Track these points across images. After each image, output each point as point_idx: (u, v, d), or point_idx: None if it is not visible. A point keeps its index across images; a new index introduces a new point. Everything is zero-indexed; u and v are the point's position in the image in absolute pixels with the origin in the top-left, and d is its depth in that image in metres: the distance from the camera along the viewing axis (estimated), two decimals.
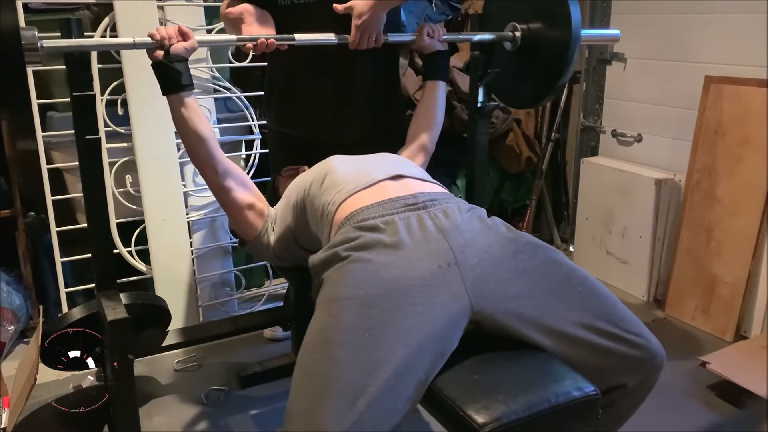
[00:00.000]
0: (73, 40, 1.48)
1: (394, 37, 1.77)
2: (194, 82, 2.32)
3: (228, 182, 1.54)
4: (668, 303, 2.65)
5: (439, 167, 2.69)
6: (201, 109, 1.52)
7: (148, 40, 1.44)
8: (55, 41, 1.40)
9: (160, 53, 1.44)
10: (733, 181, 2.41)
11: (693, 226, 2.55)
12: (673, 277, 2.63)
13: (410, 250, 1.21)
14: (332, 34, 1.70)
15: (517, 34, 1.85)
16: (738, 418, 1.95)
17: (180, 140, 2.40)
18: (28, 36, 1.28)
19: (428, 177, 1.52)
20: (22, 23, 2.14)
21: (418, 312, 1.13)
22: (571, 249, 3.24)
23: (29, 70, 2.19)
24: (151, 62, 1.47)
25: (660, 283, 2.76)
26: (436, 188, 1.44)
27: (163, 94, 1.47)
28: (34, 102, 2.20)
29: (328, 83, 1.93)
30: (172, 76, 1.45)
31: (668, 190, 2.68)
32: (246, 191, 1.58)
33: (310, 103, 1.97)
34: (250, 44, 1.68)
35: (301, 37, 1.65)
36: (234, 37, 1.62)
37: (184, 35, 1.46)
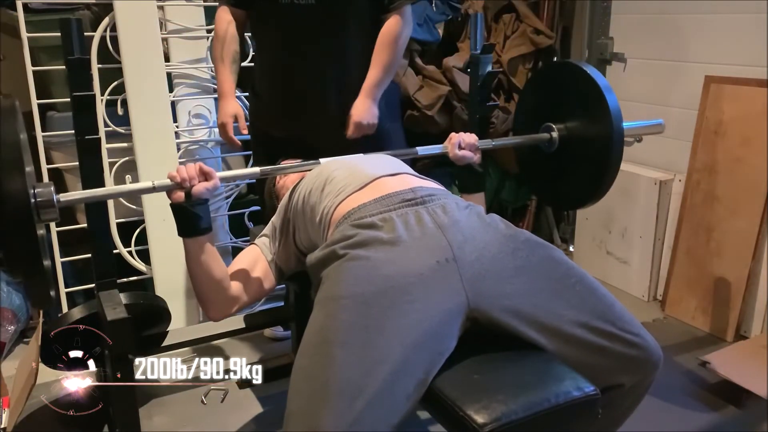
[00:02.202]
0: (91, 191, 1.44)
1: (424, 151, 1.69)
2: (194, 82, 2.34)
3: (238, 305, 1.44)
4: (668, 303, 2.65)
5: (439, 167, 2.69)
6: (216, 251, 1.40)
7: (168, 182, 1.36)
8: (71, 195, 1.33)
9: (180, 194, 1.36)
10: (733, 181, 2.41)
11: (693, 226, 2.55)
12: (673, 277, 2.63)
13: (408, 247, 1.20)
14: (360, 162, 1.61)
15: (554, 134, 1.75)
16: (738, 418, 1.95)
17: (181, 140, 2.40)
18: (45, 193, 1.21)
19: (426, 177, 1.52)
20: (22, 24, 2.15)
21: (415, 310, 1.13)
22: (571, 249, 3.24)
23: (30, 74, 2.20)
24: (169, 203, 1.38)
25: (660, 283, 2.75)
26: (434, 185, 1.44)
27: (180, 236, 1.37)
28: (34, 102, 2.20)
29: (311, 83, 1.94)
30: (192, 220, 1.36)
31: (668, 190, 2.67)
32: (251, 284, 1.47)
33: (291, 107, 1.98)
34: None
35: (325, 161, 1.57)
36: (257, 170, 1.54)
37: (206, 175, 1.36)
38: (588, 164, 1.72)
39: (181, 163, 2.35)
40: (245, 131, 1.98)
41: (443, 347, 1.15)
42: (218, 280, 1.38)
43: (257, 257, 1.50)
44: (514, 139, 1.85)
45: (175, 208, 1.37)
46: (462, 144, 1.62)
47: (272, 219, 1.58)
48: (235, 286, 1.43)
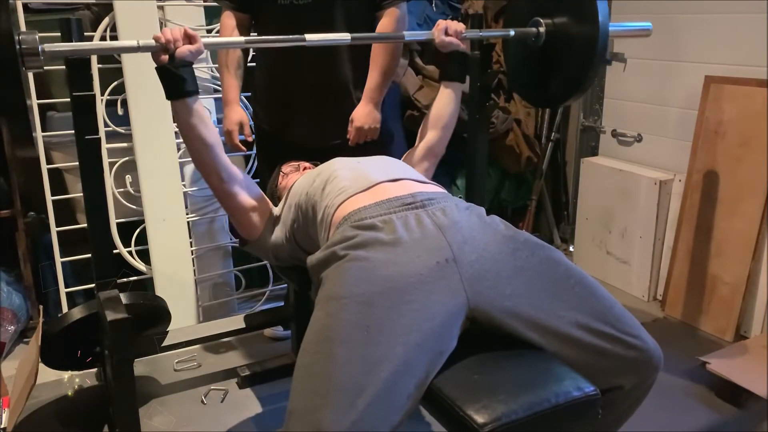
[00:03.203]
0: (75, 44, 1.45)
1: (410, 36, 1.73)
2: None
3: (233, 187, 1.53)
4: (668, 303, 2.65)
5: (439, 167, 2.70)
6: (206, 114, 1.48)
7: (153, 43, 1.40)
8: (56, 45, 1.37)
9: (165, 57, 1.40)
10: (733, 181, 2.41)
11: (693, 226, 2.55)
12: (673, 277, 2.63)
13: (408, 248, 1.21)
14: (348, 36, 1.66)
15: (541, 29, 1.76)
16: (738, 418, 1.95)
17: (180, 140, 2.40)
18: (29, 40, 1.25)
19: (427, 180, 1.52)
20: (22, 24, 2.15)
21: (416, 310, 1.13)
22: (571, 249, 3.24)
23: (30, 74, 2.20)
24: (155, 66, 1.43)
25: (660, 283, 2.76)
26: (434, 188, 1.45)
27: (168, 98, 1.43)
28: (34, 102, 2.20)
29: (308, 85, 1.95)
30: (177, 82, 1.41)
31: (668, 190, 2.67)
32: (250, 194, 1.58)
33: (290, 106, 1.99)
34: None
35: (311, 37, 1.58)
36: (242, 39, 1.59)
37: (190, 38, 1.42)
38: (572, 61, 1.73)
39: (181, 164, 2.36)
40: (251, 138, 2.02)
41: (444, 347, 1.16)
42: (209, 144, 1.47)
43: (264, 199, 1.62)
44: (501, 30, 1.85)
45: (160, 70, 1.42)
46: (449, 30, 1.68)
47: (275, 210, 1.64)
48: (233, 173, 1.53)
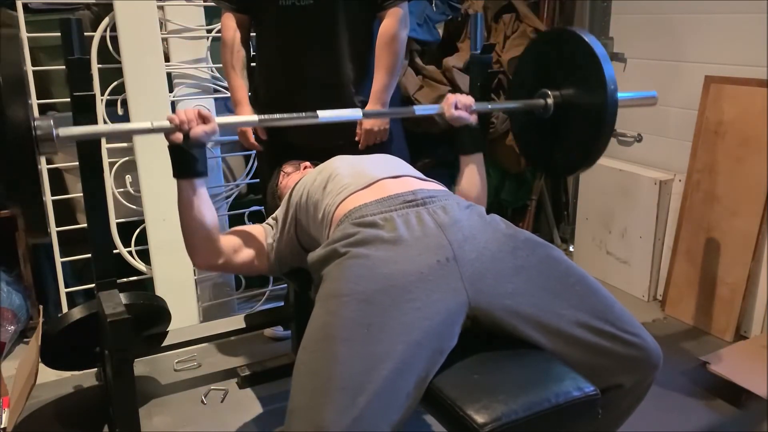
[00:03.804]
0: (90, 127, 1.44)
1: (420, 110, 1.70)
2: (194, 82, 2.34)
3: (232, 258, 1.46)
4: (668, 303, 2.65)
5: (439, 167, 2.69)
6: (208, 197, 1.43)
7: (167, 123, 1.37)
8: (69, 129, 1.34)
9: (179, 136, 1.37)
10: (733, 181, 2.41)
11: (693, 226, 2.55)
12: (673, 277, 2.63)
13: (409, 246, 1.21)
14: (358, 111, 1.66)
15: (549, 101, 1.74)
16: (738, 418, 1.95)
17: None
18: (44, 126, 1.23)
19: (428, 178, 1.52)
20: (22, 24, 2.15)
21: (416, 308, 1.14)
22: (571, 249, 3.24)
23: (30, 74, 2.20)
24: (167, 145, 1.39)
25: (660, 283, 2.75)
26: (435, 186, 1.45)
27: (175, 177, 1.39)
28: (34, 102, 2.20)
29: (309, 85, 1.95)
30: (189, 162, 1.37)
31: (668, 190, 2.67)
32: (243, 250, 1.49)
33: (291, 106, 1.99)
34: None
35: (323, 114, 1.55)
36: (256, 117, 1.54)
37: (204, 119, 1.38)
38: (581, 131, 1.71)
39: None
40: (264, 137, 2.01)
41: (444, 346, 1.16)
42: (209, 227, 1.41)
43: (259, 234, 1.54)
44: (509, 103, 1.84)
45: (172, 148, 1.39)
46: (458, 105, 1.63)
47: (276, 212, 1.60)
48: (226, 242, 1.45)
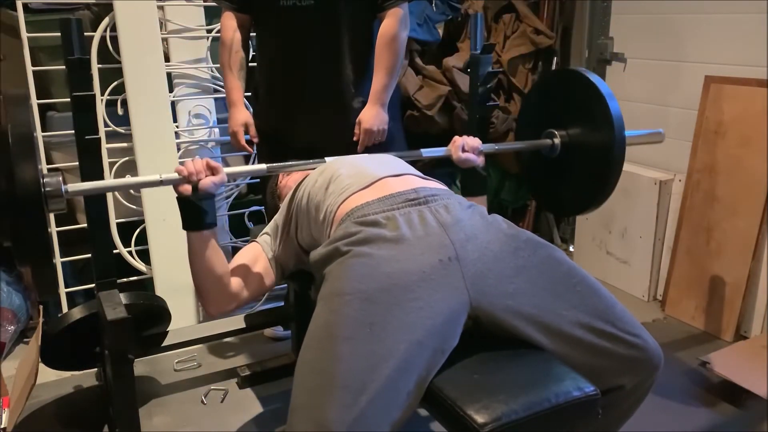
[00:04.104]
0: (97, 183, 1.45)
1: (427, 153, 1.69)
2: (194, 82, 2.35)
3: (237, 302, 1.44)
4: (668, 303, 2.65)
5: (439, 167, 2.70)
6: (218, 246, 1.40)
7: (175, 176, 1.36)
8: (78, 185, 1.34)
9: (187, 188, 1.36)
10: (733, 181, 2.41)
11: (693, 226, 2.55)
12: (673, 277, 2.63)
13: (411, 245, 1.21)
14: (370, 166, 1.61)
15: (556, 141, 1.74)
16: (738, 418, 1.95)
17: (180, 140, 2.40)
18: (53, 183, 1.23)
19: (429, 178, 1.52)
20: (22, 24, 2.15)
21: (419, 307, 1.14)
22: (571, 249, 3.24)
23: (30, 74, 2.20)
24: (176, 196, 1.38)
25: (660, 283, 2.75)
26: (437, 185, 1.45)
27: (185, 229, 1.38)
28: (34, 102, 2.21)
29: (310, 85, 1.95)
30: (198, 214, 1.36)
31: (668, 190, 2.67)
32: (251, 281, 1.47)
33: (291, 106, 1.99)
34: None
35: (331, 160, 1.54)
36: (264, 166, 1.53)
37: (212, 170, 1.37)
38: (589, 171, 1.72)
39: (181, 164, 2.36)
40: (256, 139, 2.02)
41: (445, 345, 1.16)
42: (219, 276, 1.39)
43: (258, 255, 1.51)
44: (516, 144, 1.85)
45: (182, 201, 1.37)
46: (465, 147, 1.62)
47: (275, 217, 1.58)
48: (235, 283, 1.43)
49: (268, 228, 1.57)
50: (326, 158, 1.56)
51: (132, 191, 2.33)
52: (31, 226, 1.15)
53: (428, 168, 2.87)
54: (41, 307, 2.02)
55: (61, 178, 1.25)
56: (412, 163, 1.70)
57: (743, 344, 2.29)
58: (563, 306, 1.22)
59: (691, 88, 2.59)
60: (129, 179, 1.46)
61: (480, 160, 1.64)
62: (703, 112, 2.52)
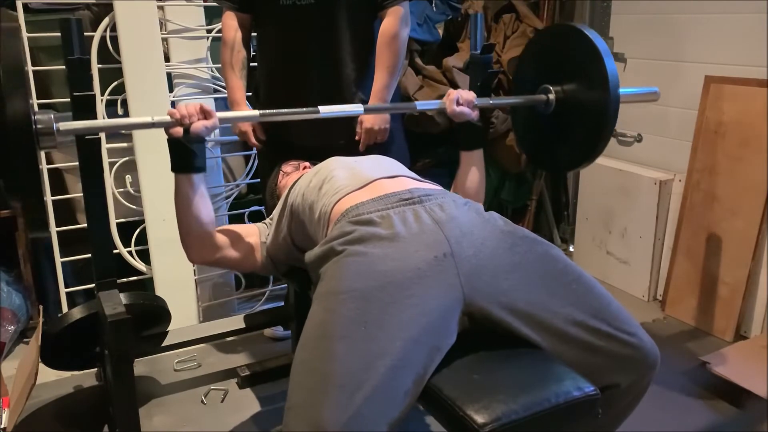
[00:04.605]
0: (90, 122, 1.43)
1: (421, 106, 1.70)
2: (194, 82, 2.34)
3: (220, 255, 1.49)
4: (668, 303, 2.65)
5: (438, 167, 2.69)
6: (206, 192, 1.44)
7: (168, 118, 1.37)
8: (70, 124, 1.33)
9: (179, 130, 1.38)
10: (733, 181, 2.41)
11: (693, 226, 2.55)
12: (673, 277, 2.63)
13: (406, 242, 1.21)
14: (360, 106, 1.67)
15: (551, 96, 1.74)
16: (738, 418, 1.95)
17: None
18: (44, 120, 1.23)
19: (424, 179, 1.52)
20: (22, 24, 2.15)
21: (414, 305, 1.14)
22: (571, 249, 3.24)
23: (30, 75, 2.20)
24: (167, 138, 1.40)
25: (660, 283, 2.75)
26: (431, 186, 1.45)
27: (173, 171, 1.41)
28: (34, 102, 2.20)
29: (311, 84, 1.95)
30: (188, 157, 1.38)
31: (668, 190, 2.67)
32: (237, 246, 1.52)
33: (292, 106, 1.99)
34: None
35: (324, 110, 1.56)
36: (257, 112, 1.54)
37: (205, 114, 1.39)
38: (583, 128, 1.71)
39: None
40: (263, 136, 2.02)
41: (442, 343, 1.16)
42: (204, 222, 1.43)
43: (252, 232, 1.57)
44: (511, 98, 1.84)
45: (172, 143, 1.40)
46: (460, 100, 1.63)
47: (272, 214, 1.62)
48: (221, 238, 1.48)
49: (266, 220, 1.62)
50: (320, 108, 1.55)
51: (132, 190, 2.33)
52: (21, 162, 1.15)
53: (427, 168, 2.87)
54: (41, 307, 2.02)
55: (53, 116, 1.24)
56: (412, 163, 1.71)
57: (743, 344, 2.29)
58: (558, 303, 1.22)
59: (691, 88, 2.59)
60: (122, 120, 1.46)
61: (475, 114, 1.65)
62: (703, 112, 2.52)
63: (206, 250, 1.46)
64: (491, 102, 1.79)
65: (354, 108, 1.64)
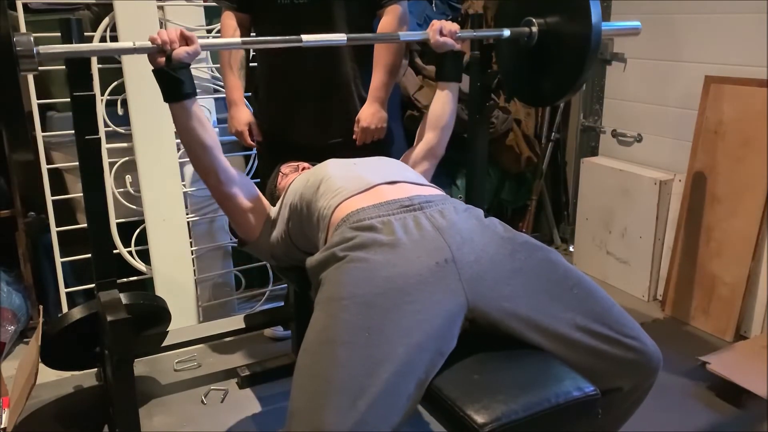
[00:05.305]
0: (71, 45, 1.43)
1: (405, 36, 1.73)
2: (194, 82, 2.32)
3: (231, 189, 1.53)
4: (668, 303, 2.65)
5: (439, 167, 2.69)
6: (204, 116, 1.47)
7: (149, 44, 1.38)
8: (50, 47, 1.34)
9: (162, 59, 1.39)
10: (733, 181, 2.41)
11: (693, 226, 2.55)
12: (673, 277, 2.63)
13: (407, 249, 1.21)
14: (344, 36, 1.65)
15: (534, 29, 1.76)
16: (738, 418, 1.95)
17: (180, 140, 2.40)
18: (24, 42, 1.23)
19: (425, 182, 1.52)
20: (22, 24, 2.15)
21: (416, 311, 1.13)
22: (571, 249, 3.24)
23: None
24: (152, 69, 1.41)
25: (660, 283, 2.75)
26: (432, 191, 1.45)
27: (165, 101, 1.42)
28: (34, 102, 2.20)
29: (310, 83, 1.95)
30: (175, 84, 1.40)
31: (668, 190, 2.67)
32: (248, 195, 1.58)
33: (291, 105, 1.99)
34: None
35: (307, 38, 1.56)
36: (239, 39, 1.57)
37: (186, 40, 1.40)
38: (566, 59, 1.73)
39: (181, 164, 2.36)
40: (260, 138, 2.02)
41: (444, 348, 1.16)
42: (208, 146, 1.46)
43: (266, 204, 1.63)
44: (495, 30, 1.86)
45: (157, 72, 1.41)
46: (443, 30, 1.68)
47: (273, 209, 1.64)
48: (237, 178, 1.54)
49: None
50: (302, 36, 1.55)
51: (132, 190, 2.33)
52: (2, 84, 1.15)
53: None
54: (41, 307, 2.02)
55: (32, 38, 1.24)
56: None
57: (743, 344, 2.29)
58: (560, 308, 1.22)
59: (691, 88, 2.59)
60: (105, 44, 1.43)
61: (458, 45, 1.71)
62: (703, 112, 2.52)
63: (212, 177, 1.50)
64: (475, 33, 1.82)
65: (337, 37, 1.62)
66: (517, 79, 1.97)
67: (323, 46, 1.90)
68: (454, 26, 1.69)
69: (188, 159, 1.54)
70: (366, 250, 1.21)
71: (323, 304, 1.19)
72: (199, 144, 1.45)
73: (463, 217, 1.31)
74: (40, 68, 2.20)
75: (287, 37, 1.57)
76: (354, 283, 1.17)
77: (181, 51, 1.39)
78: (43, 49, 1.29)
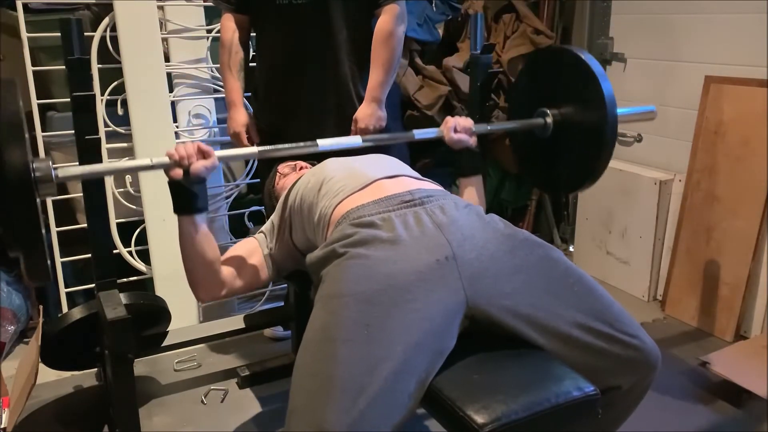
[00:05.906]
0: (89, 166, 1.43)
1: (419, 135, 1.68)
2: (194, 82, 2.35)
3: (227, 290, 1.45)
4: (668, 303, 2.65)
5: (439, 167, 2.69)
6: (209, 232, 1.41)
7: (166, 160, 1.34)
8: (68, 170, 1.32)
9: (179, 172, 1.34)
10: (733, 181, 2.41)
11: (693, 226, 2.55)
12: (673, 277, 2.63)
13: (407, 246, 1.21)
14: (358, 138, 1.63)
15: (548, 120, 1.73)
16: (738, 418, 1.95)
17: (180, 140, 2.40)
18: (43, 168, 1.21)
19: (423, 177, 1.52)
20: (22, 23, 2.15)
21: (416, 309, 1.13)
22: (571, 249, 3.24)
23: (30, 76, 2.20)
24: (167, 181, 1.37)
25: (660, 283, 2.75)
26: (432, 186, 1.45)
27: (176, 213, 1.38)
28: (34, 102, 2.20)
29: (309, 83, 1.96)
30: (189, 198, 1.35)
31: (668, 190, 2.67)
32: (245, 273, 1.48)
33: (290, 105, 1.99)
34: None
35: (323, 143, 1.52)
36: (256, 149, 1.51)
37: (204, 154, 1.35)
38: (582, 150, 1.71)
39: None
40: (257, 139, 2.02)
41: (443, 346, 1.16)
42: (210, 261, 1.39)
43: (253, 249, 1.52)
44: (508, 123, 1.84)
45: (173, 185, 1.37)
46: (457, 128, 1.61)
47: (271, 217, 1.59)
48: (227, 271, 1.44)
49: (264, 227, 1.58)
50: (318, 141, 1.53)
51: (132, 190, 2.33)
52: (21, 211, 1.13)
53: (428, 168, 2.87)
54: (41, 307, 2.02)
55: (50, 163, 1.23)
56: (412, 163, 1.70)
57: (743, 344, 2.29)
58: (560, 306, 1.22)
59: (691, 88, 2.59)
60: (120, 163, 1.44)
61: (472, 141, 1.63)
62: (703, 112, 2.52)
63: (214, 288, 1.42)
64: (489, 128, 1.77)
65: (352, 140, 1.60)
66: (533, 166, 1.94)
67: (322, 48, 1.92)
68: (468, 122, 1.63)
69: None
70: (366, 246, 1.21)
71: (323, 300, 1.19)
72: (200, 257, 1.38)
73: (463, 213, 1.31)
74: (40, 68, 2.22)
75: (302, 143, 1.51)
76: (354, 279, 1.17)
77: (199, 165, 1.34)
78: (61, 172, 1.27)
